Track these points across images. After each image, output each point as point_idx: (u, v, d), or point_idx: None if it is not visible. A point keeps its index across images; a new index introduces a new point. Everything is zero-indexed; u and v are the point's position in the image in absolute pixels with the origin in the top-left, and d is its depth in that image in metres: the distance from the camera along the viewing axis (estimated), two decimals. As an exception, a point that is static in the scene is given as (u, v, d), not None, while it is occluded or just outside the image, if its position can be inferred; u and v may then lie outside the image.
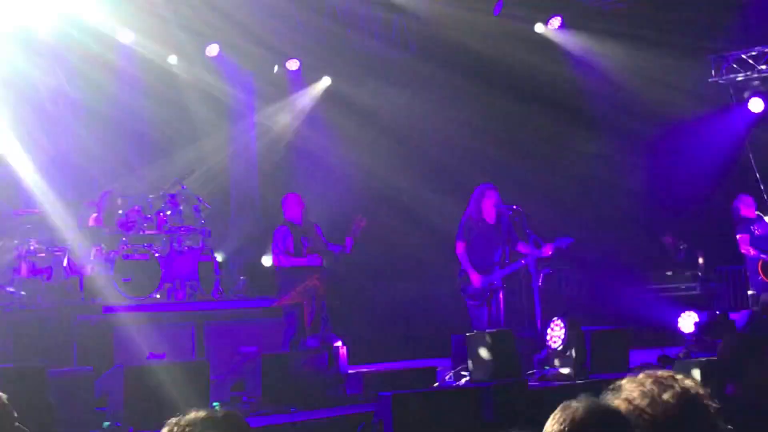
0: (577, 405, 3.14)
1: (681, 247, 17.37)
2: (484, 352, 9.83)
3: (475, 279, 11.78)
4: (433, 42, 16.58)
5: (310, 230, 11.98)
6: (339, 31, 15.95)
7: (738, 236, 14.13)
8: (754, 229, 14.16)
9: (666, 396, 3.26)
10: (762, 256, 13.99)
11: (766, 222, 14.49)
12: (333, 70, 16.99)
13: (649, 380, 3.34)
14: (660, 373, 3.38)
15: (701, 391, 3.33)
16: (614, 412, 3.18)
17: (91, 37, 13.77)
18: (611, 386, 3.45)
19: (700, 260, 17.37)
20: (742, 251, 14.09)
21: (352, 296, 15.12)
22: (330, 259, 11.94)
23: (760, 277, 14.09)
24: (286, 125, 16.76)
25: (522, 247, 12.05)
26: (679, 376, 3.36)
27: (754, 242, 14.08)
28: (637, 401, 3.28)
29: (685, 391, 3.29)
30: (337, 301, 12.18)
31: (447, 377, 10.40)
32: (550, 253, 11.94)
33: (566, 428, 2.99)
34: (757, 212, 14.34)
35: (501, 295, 11.85)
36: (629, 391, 3.33)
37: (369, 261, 15.17)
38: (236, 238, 15.60)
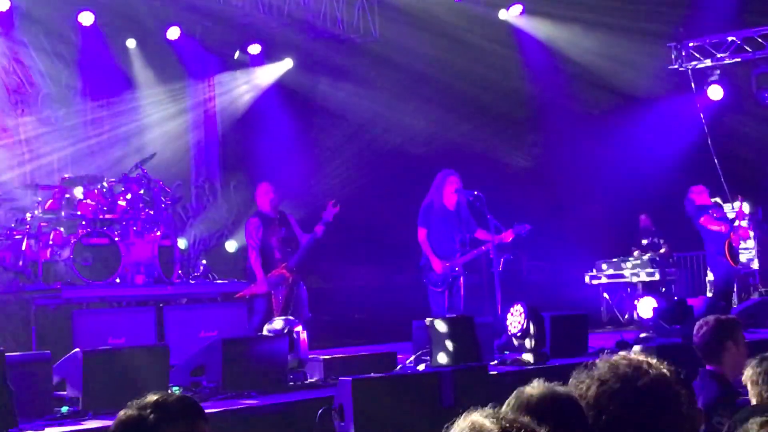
0: (530, 390, 3.16)
1: (658, 241, 17.49)
2: (444, 338, 9.86)
3: (437, 266, 11.83)
4: (396, 27, 16.58)
5: (283, 220, 11.95)
6: (301, 16, 15.90)
7: (701, 220, 14.24)
8: (713, 213, 14.31)
9: (641, 382, 3.27)
10: (732, 235, 14.14)
11: (722, 208, 14.65)
12: (295, 55, 16.93)
13: (624, 363, 3.35)
14: (634, 356, 3.40)
15: (674, 376, 3.35)
16: (567, 397, 3.20)
17: (50, 18, 13.69)
18: (585, 364, 3.47)
19: (663, 249, 17.52)
20: (713, 228, 14.17)
21: (313, 281, 15.13)
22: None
23: (723, 258, 14.20)
24: (245, 101, 16.66)
25: (481, 234, 12.11)
26: (653, 361, 3.38)
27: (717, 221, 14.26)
28: (611, 383, 3.30)
29: (659, 376, 3.31)
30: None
31: (407, 362, 10.42)
32: (509, 239, 12.01)
33: (520, 413, 3.01)
34: (712, 200, 14.50)
35: (461, 282, 11.90)
36: (603, 372, 3.35)
37: (329, 246, 15.16)
38: (197, 222, 15.55)
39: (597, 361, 3.42)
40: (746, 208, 14.74)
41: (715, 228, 14.14)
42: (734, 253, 14.28)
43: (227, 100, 16.63)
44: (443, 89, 17.55)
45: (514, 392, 3.19)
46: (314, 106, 16.93)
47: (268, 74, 16.80)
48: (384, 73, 17.26)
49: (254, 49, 16.31)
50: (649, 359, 3.38)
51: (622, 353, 3.45)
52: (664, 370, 3.34)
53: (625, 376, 3.29)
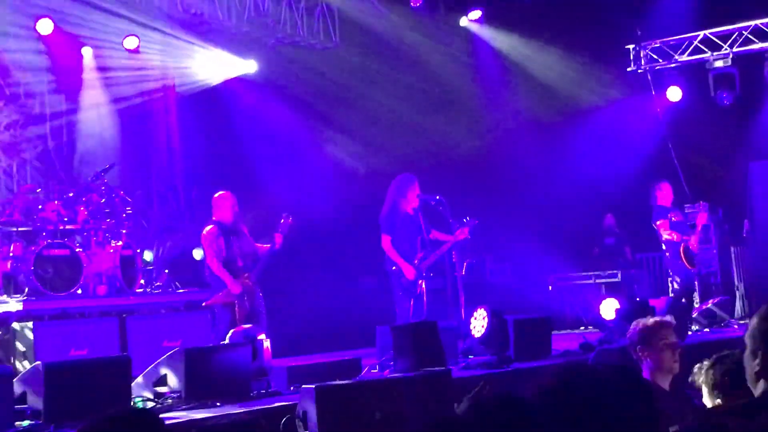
0: (487, 394, 3.18)
1: (621, 241, 17.61)
2: (408, 343, 9.86)
3: (409, 272, 11.81)
4: (356, 33, 16.61)
5: (240, 230, 11.68)
6: (262, 21, 15.92)
7: (658, 222, 14.38)
8: (671, 216, 14.44)
9: (583, 385, 3.28)
10: (684, 238, 14.28)
11: (681, 210, 14.78)
12: (259, 59, 16.89)
13: (564, 367, 3.36)
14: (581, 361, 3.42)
15: (615, 373, 3.35)
16: (518, 400, 3.21)
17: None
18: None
19: (627, 249, 17.64)
20: (666, 237, 14.34)
21: (274, 289, 15.09)
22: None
23: (680, 262, 14.36)
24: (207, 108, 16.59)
25: (437, 235, 12.15)
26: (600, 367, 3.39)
27: (673, 228, 14.35)
28: (550, 384, 3.31)
29: (599, 372, 3.32)
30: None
31: (372, 369, 10.43)
32: (465, 236, 12.06)
33: (470, 412, 3.02)
34: (672, 201, 14.64)
35: (423, 286, 11.93)
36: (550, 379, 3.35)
37: (290, 253, 15.14)
38: (158, 231, 15.48)
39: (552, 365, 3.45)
40: (703, 218, 14.87)
41: (666, 236, 14.33)
42: (690, 257, 14.43)
43: (189, 108, 16.56)
44: (402, 95, 17.59)
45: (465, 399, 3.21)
46: (277, 111, 16.89)
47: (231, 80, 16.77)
48: (346, 78, 17.27)
49: (216, 55, 16.26)
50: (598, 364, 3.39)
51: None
52: (610, 371, 3.35)
53: (562, 375, 3.29)
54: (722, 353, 5.01)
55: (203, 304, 11.83)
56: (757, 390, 3.84)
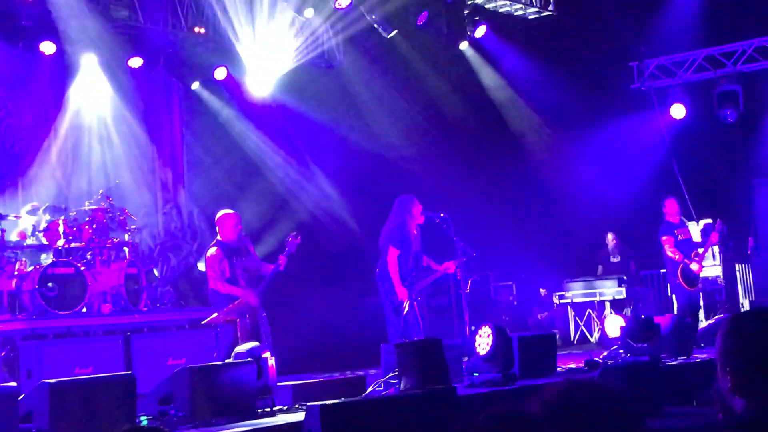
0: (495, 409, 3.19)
1: (626, 259, 17.59)
2: (412, 361, 9.85)
3: (401, 293, 11.75)
4: (360, 53, 16.65)
5: (244, 249, 11.55)
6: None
7: (663, 238, 14.34)
8: (678, 233, 14.39)
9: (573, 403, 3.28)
10: (686, 260, 14.22)
11: (688, 227, 14.74)
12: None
13: (554, 387, 3.36)
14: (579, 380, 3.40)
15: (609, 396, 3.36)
16: (525, 416, 3.21)
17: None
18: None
19: (632, 265, 17.64)
20: (669, 253, 14.30)
21: (279, 307, 15.09)
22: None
23: (678, 282, 14.32)
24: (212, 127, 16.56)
25: (428, 261, 12.11)
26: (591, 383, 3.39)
27: (678, 246, 14.31)
28: (553, 402, 3.31)
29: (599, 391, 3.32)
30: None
31: (376, 387, 10.41)
32: (453, 270, 12.05)
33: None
34: (681, 218, 14.58)
35: (416, 307, 11.88)
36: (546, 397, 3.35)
37: (295, 272, 15.15)
38: (164, 249, 15.50)
39: (545, 384, 3.44)
40: (715, 237, 14.81)
41: (669, 254, 14.28)
42: (688, 278, 14.34)
43: (195, 128, 16.58)
44: (405, 115, 17.61)
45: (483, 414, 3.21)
46: (280, 131, 16.90)
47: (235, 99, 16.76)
48: (348, 99, 17.29)
49: (220, 74, 16.26)
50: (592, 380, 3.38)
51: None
52: (601, 390, 3.34)
53: (563, 393, 3.29)
54: None
55: (202, 323, 11.72)
56: (737, 406, 3.77)
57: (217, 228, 11.45)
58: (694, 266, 14.29)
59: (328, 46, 16.57)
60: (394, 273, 11.80)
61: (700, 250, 14.42)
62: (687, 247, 14.41)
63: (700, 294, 15.16)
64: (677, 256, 14.23)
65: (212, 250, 11.26)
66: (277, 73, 16.24)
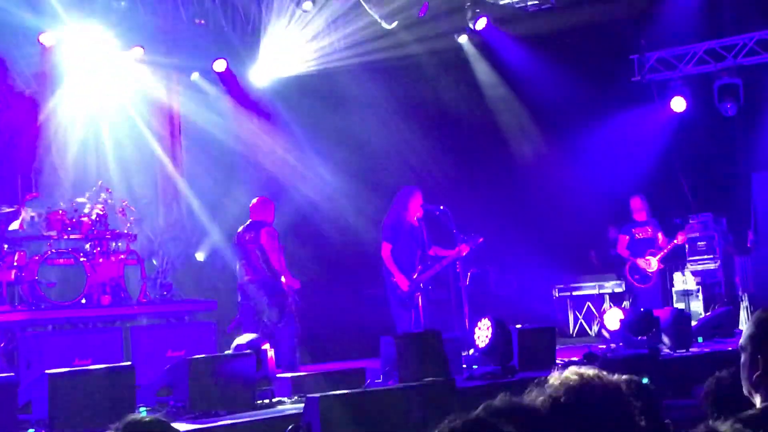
0: (497, 403, 3.18)
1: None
2: (412, 353, 9.85)
3: (403, 283, 11.82)
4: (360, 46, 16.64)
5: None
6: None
7: (619, 236, 14.85)
8: (636, 232, 14.79)
9: (591, 396, 3.27)
10: (633, 258, 14.66)
11: (651, 226, 14.94)
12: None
13: (574, 377, 3.35)
14: (585, 371, 3.39)
15: (628, 389, 3.35)
16: (529, 409, 3.21)
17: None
18: (536, 381, 3.48)
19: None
20: (619, 251, 14.84)
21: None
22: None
23: (629, 279, 14.95)
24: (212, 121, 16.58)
25: (436, 250, 12.18)
26: (604, 374, 3.38)
27: (631, 245, 14.90)
28: (562, 399, 3.30)
29: (610, 389, 3.31)
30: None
31: (375, 379, 10.42)
32: (465, 253, 12.08)
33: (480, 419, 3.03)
34: (647, 216, 14.88)
35: (421, 298, 11.94)
36: (555, 388, 3.35)
37: (296, 264, 15.16)
38: (164, 241, 15.47)
39: (549, 376, 3.43)
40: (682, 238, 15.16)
41: (619, 252, 14.82)
42: (635, 276, 15.10)
43: (194, 119, 16.55)
44: (406, 106, 17.58)
45: (482, 405, 3.21)
46: (282, 125, 16.89)
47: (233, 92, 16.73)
48: (349, 92, 17.27)
49: (219, 66, 16.23)
50: (600, 373, 3.37)
51: (572, 368, 3.45)
52: (617, 382, 3.34)
53: (575, 391, 3.29)
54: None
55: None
56: (757, 400, 3.76)
57: (263, 211, 12.53)
58: (644, 263, 14.80)
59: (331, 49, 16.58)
60: (392, 266, 11.90)
61: (658, 255, 14.76)
62: (643, 245, 14.91)
63: (659, 289, 15.39)
64: (624, 254, 14.84)
65: (270, 229, 12.29)
66: (278, 69, 16.28)
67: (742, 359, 3.82)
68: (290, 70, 16.49)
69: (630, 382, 3.38)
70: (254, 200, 12.78)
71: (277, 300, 12.11)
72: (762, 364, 3.71)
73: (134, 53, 14.76)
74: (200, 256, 15.31)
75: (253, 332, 10.81)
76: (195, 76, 16.04)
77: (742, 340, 3.83)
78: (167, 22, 14.74)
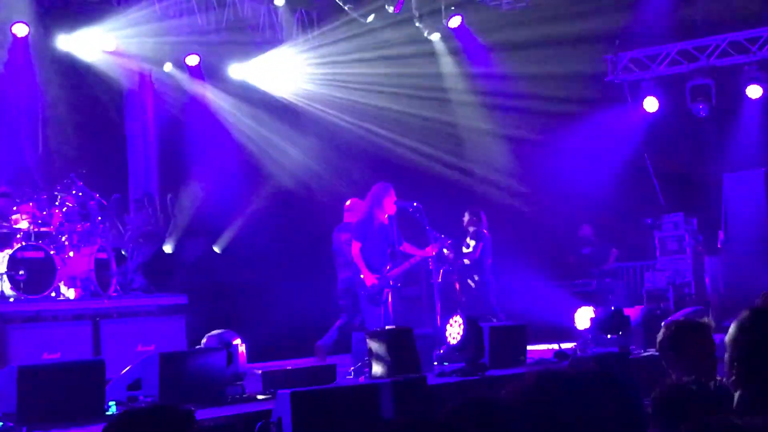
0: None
1: (599, 251, 17.65)
2: (383, 350, 9.85)
3: (369, 279, 11.81)
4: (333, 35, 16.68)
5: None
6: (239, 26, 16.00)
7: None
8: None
9: (564, 389, 3.27)
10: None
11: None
12: (233, 65, 16.90)
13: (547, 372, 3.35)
14: (559, 366, 3.40)
15: (603, 380, 3.34)
16: (495, 404, 3.21)
17: None
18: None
19: (612, 255, 17.71)
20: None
21: (250, 294, 15.08)
22: None
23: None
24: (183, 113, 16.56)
25: (406, 247, 12.16)
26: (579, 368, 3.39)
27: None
28: (531, 394, 3.30)
29: (582, 382, 3.31)
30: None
31: (347, 375, 10.41)
32: (433, 254, 12.08)
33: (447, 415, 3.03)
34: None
35: (391, 295, 11.94)
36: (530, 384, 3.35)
37: (266, 259, 15.14)
38: (135, 235, 15.41)
39: (525, 373, 3.44)
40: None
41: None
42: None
43: (165, 113, 16.51)
44: (377, 101, 17.61)
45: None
46: (252, 117, 16.86)
47: (205, 87, 16.71)
48: (321, 81, 17.30)
49: (192, 60, 16.20)
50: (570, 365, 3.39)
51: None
52: (590, 375, 3.34)
53: (548, 385, 3.28)
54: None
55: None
56: (735, 399, 3.81)
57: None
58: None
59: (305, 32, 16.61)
60: (360, 263, 11.88)
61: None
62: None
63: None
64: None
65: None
66: (252, 58, 16.31)
67: (725, 357, 3.88)
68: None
69: (598, 374, 3.37)
70: (347, 202, 13.22)
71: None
72: (736, 369, 3.77)
73: (106, 45, 14.79)
74: (168, 249, 15.33)
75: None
76: (168, 66, 16.08)
77: (726, 338, 3.89)
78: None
